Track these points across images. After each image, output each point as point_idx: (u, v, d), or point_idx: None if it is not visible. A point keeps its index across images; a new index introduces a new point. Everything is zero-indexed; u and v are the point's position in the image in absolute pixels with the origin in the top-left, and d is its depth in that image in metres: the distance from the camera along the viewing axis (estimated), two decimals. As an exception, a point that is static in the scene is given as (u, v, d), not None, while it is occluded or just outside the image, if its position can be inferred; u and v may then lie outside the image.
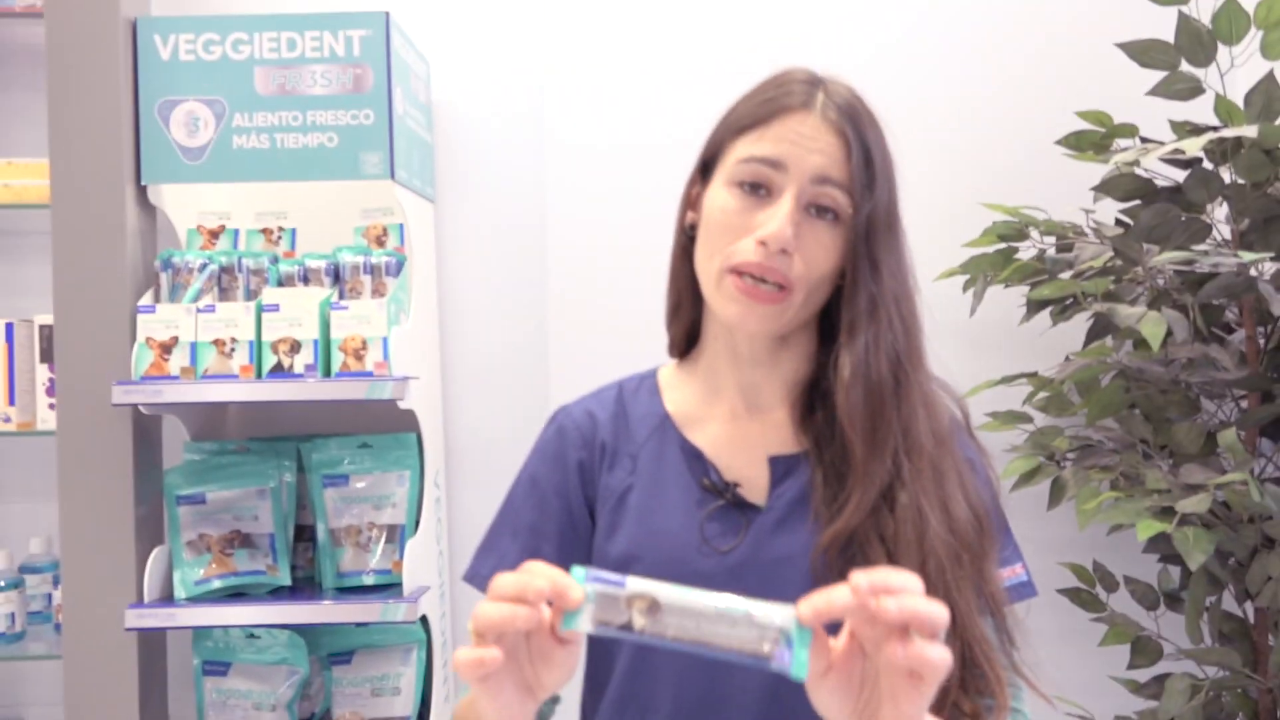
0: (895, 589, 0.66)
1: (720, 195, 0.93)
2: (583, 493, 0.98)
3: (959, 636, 0.84)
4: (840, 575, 0.71)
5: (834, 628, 0.69)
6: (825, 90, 0.94)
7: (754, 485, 0.94)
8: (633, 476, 0.97)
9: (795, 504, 0.93)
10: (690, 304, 1.00)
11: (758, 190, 0.91)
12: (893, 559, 0.86)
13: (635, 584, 0.67)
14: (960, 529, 0.88)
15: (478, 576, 1.00)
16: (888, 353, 0.90)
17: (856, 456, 0.89)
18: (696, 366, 1.01)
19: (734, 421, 0.97)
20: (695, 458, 0.96)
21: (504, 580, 0.68)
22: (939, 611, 0.66)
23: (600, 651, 0.97)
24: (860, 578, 0.66)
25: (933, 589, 0.82)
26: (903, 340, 0.91)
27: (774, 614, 0.66)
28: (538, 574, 0.68)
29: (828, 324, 0.95)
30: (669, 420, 0.99)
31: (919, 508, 0.87)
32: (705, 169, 0.98)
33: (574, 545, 0.98)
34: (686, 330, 1.02)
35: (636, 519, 0.95)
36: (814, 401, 0.95)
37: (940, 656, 0.66)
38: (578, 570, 0.68)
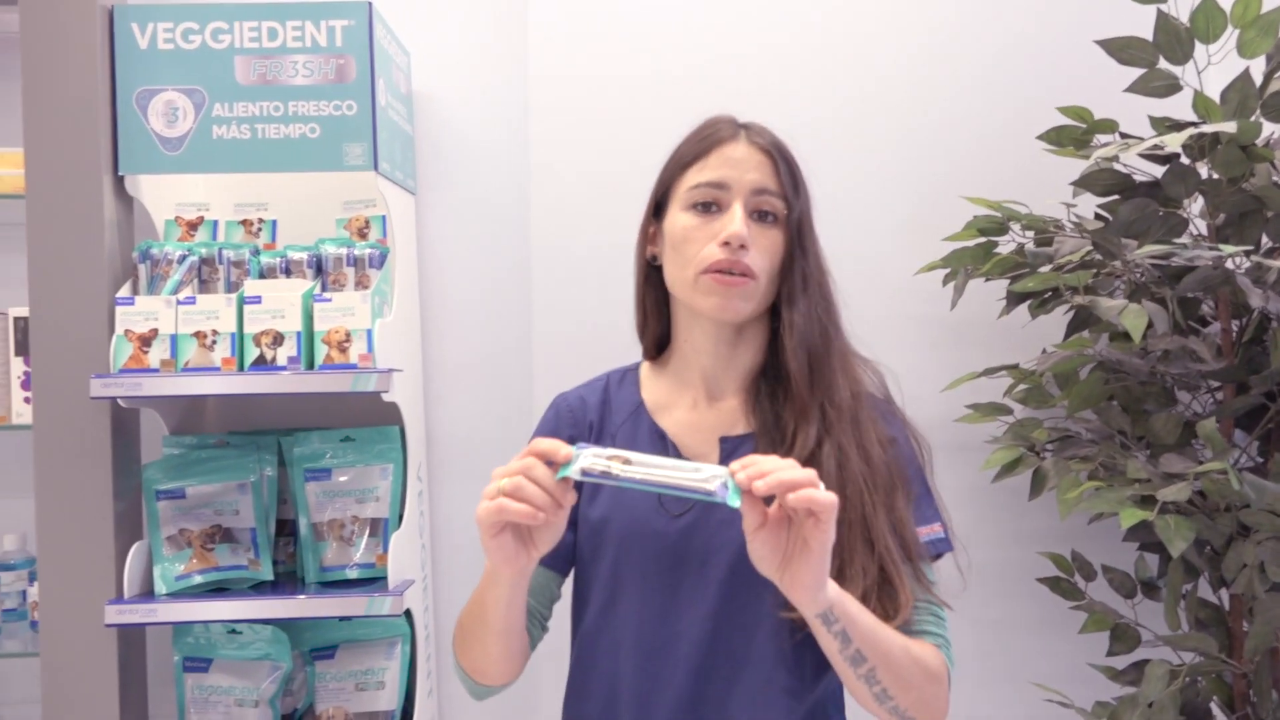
0: (765, 470, 0.90)
1: (680, 219, 1.14)
2: None
3: (875, 553, 1.06)
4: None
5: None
6: (748, 127, 1.17)
7: (706, 460, 1.13)
8: None
9: None
10: (656, 319, 1.22)
11: (710, 208, 1.13)
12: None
13: (612, 449, 0.93)
14: (874, 466, 1.10)
15: None
16: (818, 320, 1.13)
17: (804, 401, 1.11)
18: (667, 366, 1.22)
19: (695, 410, 1.18)
20: (660, 438, 1.17)
21: (512, 461, 0.95)
22: (802, 474, 0.90)
23: (580, 589, 1.19)
24: (735, 465, 0.92)
25: (852, 511, 1.06)
26: (824, 312, 1.14)
27: (715, 468, 0.91)
28: (541, 443, 0.94)
29: (776, 319, 1.16)
30: (643, 407, 1.20)
31: (840, 446, 1.09)
32: (658, 208, 1.19)
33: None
34: (655, 340, 1.23)
35: (611, 489, 1.13)
36: (763, 385, 1.16)
37: (826, 496, 0.91)
38: (576, 446, 0.93)
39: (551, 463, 0.95)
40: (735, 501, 0.90)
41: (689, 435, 1.17)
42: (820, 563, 0.93)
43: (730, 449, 1.14)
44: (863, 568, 1.05)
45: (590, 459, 0.90)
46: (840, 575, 1.03)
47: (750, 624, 1.10)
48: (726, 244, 1.09)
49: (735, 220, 1.10)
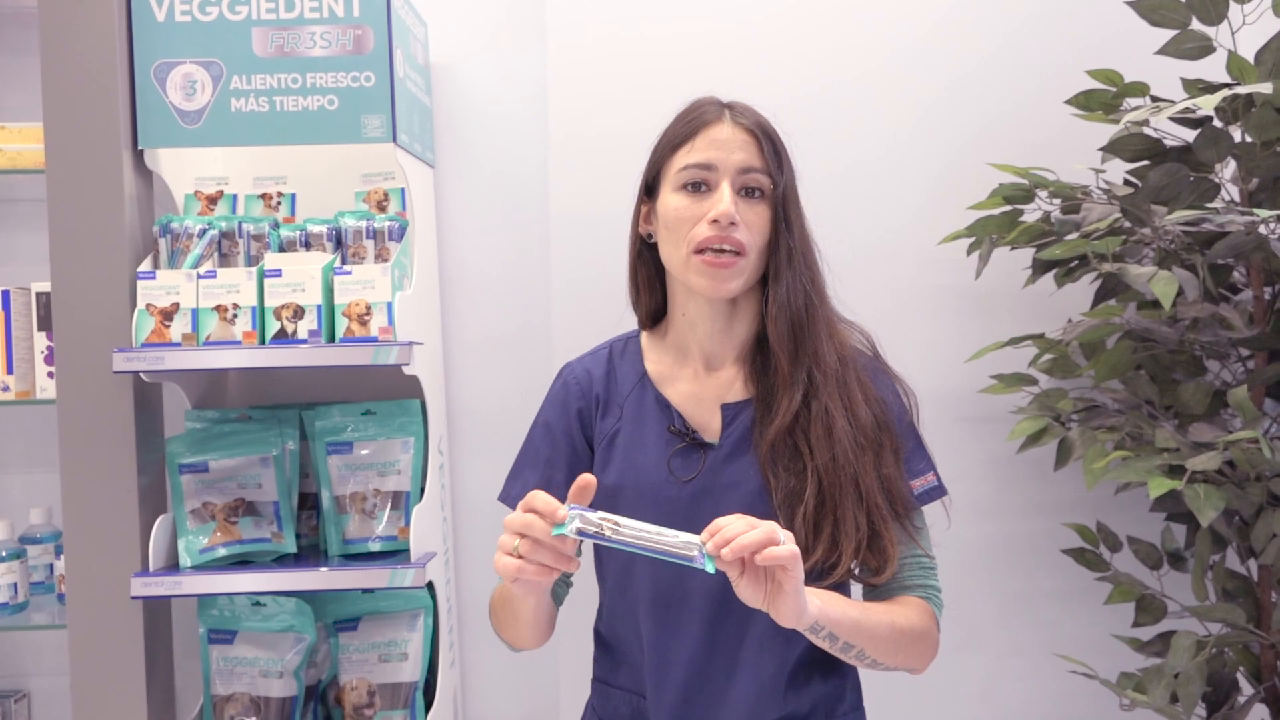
0: (728, 539, 0.98)
1: (671, 200, 1.20)
2: (583, 434, 1.28)
3: (865, 510, 1.15)
4: (782, 464, 1.16)
5: None
6: (731, 108, 1.22)
7: (709, 428, 1.22)
8: (620, 422, 1.25)
9: (740, 440, 1.21)
10: (649, 293, 1.29)
11: (699, 188, 1.18)
12: (811, 450, 1.16)
13: (601, 514, 1.02)
14: (862, 425, 1.17)
15: (509, 497, 1.30)
16: (802, 290, 1.19)
17: (783, 370, 1.18)
18: (665, 336, 1.29)
19: (696, 380, 1.25)
20: (666, 408, 1.24)
21: (520, 509, 1.03)
22: (761, 534, 0.98)
23: (600, 556, 1.27)
24: (704, 534, 1.00)
25: (842, 473, 1.15)
26: (809, 282, 1.20)
27: (690, 537, 1.01)
28: (539, 500, 1.01)
29: (767, 290, 1.22)
30: (647, 378, 1.26)
31: (827, 409, 1.16)
32: (650, 190, 1.26)
33: (578, 474, 1.20)
34: (649, 312, 1.30)
35: (622, 456, 1.23)
36: (759, 353, 1.22)
37: (786, 550, 0.99)
38: (569, 507, 1.01)
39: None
40: (711, 567, 1.00)
41: (692, 405, 1.23)
42: (795, 596, 1.02)
43: (731, 415, 1.22)
44: (855, 525, 1.14)
45: (581, 522, 1.00)
46: (834, 534, 1.14)
47: None
48: (716, 222, 1.16)
49: (724, 199, 1.16)
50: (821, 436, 1.15)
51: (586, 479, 1.04)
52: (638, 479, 1.21)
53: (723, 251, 1.16)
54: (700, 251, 1.17)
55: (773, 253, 1.19)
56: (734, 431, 1.21)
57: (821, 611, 1.07)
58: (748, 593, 1.02)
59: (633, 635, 1.23)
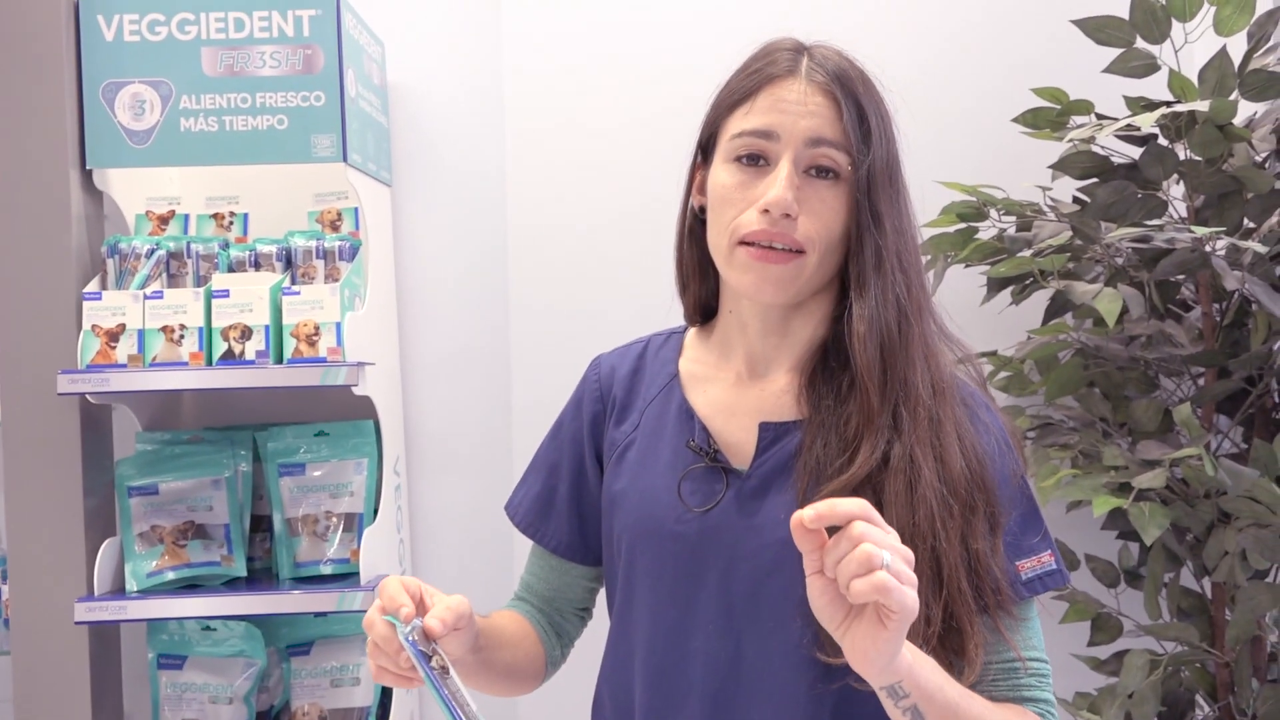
0: (830, 513, 0.74)
1: (721, 173, 0.95)
2: (592, 443, 1.06)
3: (942, 595, 0.86)
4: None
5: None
6: (810, 55, 0.95)
7: (740, 450, 0.96)
8: (635, 432, 1.01)
9: (778, 471, 0.94)
10: (697, 281, 1.04)
11: (756, 162, 0.93)
12: (882, 508, 0.85)
13: (440, 651, 0.85)
14: (953, 479, 0.88)
15: (511, 505, 1.12)
16: (895, 304, 0.92)
17: (872, 407, 0.90)
18: (713, 332, 1.04)
19: (736, 386, 0.99)
20: (688, 418, 0.98)
21: (372, 615, 0.87)
22: (867, 551, 0.72)
23: (608, 582, 1.05)
24: (806, 513, 0.74)
25: (921, 539, 0.86)
26: (905, 292, 0.92)
27: None
28: (387, 590, 0.86)
29: (844, 290, 0.96)
30: (676, 379, 1.02)
31: (913, 458, 0.88)
32: (705, 152, 1.00)
33: (583, 485, 1.07)
34: (696, 303, 1.05)
35: (632, 473, 0.99)
36: (823, 365, 0.96)
37: (906, 599, 0.73)
38: (402, 628, 0.84)
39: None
40: None
41: (723, 418, 0.98)
42: (891, 640, 0.75)
43: (771, 437, 0.95)
44: (925, 615, 0.84)
45: (412, 645, 0.84)
46: None
47: (774, 655, 0.91)
48: (766, 211, 0.90)
49: (779, 182, 0.90)
50: (901, 493, 0.87)
51: (459, 610, 0.85)
52: (641, 504, 0.97)
53: (772, 249, 0.91)
54: (748, 244, 0.92)
55: (855, 253, 0.92)
56: (770, 459, 0.94)
57: (912, 673, 0.79)
58: (821, 600, 0.77)
59: (626, 703, 0.99)
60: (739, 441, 0.96)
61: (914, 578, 0.74)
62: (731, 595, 0.93)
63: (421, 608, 0.87)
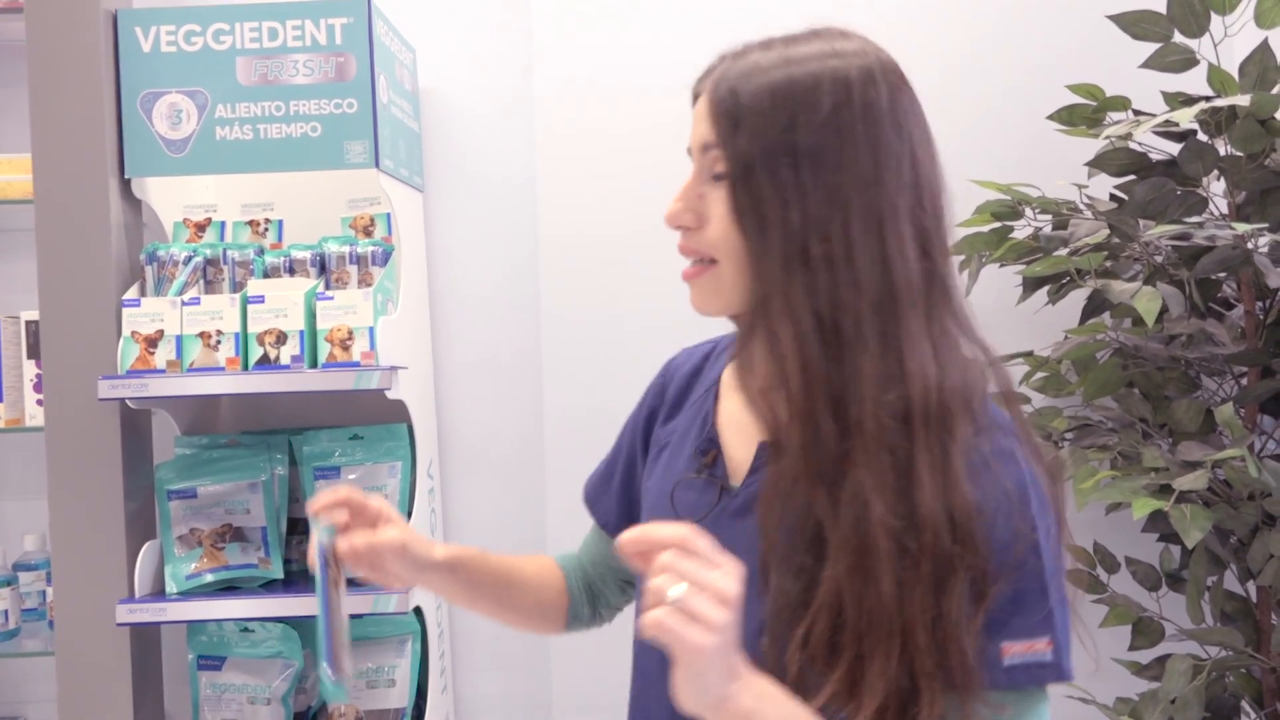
0: (645, 544, 0.71)
1: None
2: (644, 436, 1.04)
3: (905, 655, 0.75)
4: (786, 556, 0.78)
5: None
6: (725, 63, 0.87)
7: (739, 467, 0.91)
8: (674, 433, 0.99)
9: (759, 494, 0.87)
10: None
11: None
12: (825, 545, 0.78)
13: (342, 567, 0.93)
14: (923, 524, 0.76)
15: (584, 488, 1.13)
16: (810, 308, 0.79)
17: (793, 434, 0.81)
18: None
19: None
20: (704, 427, 0.95)
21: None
22: (662, 582, 0.68)
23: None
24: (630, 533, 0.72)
25: (871, 585, 0.76)
26: (828, 291, 0.79)
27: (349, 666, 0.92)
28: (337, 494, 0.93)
29: None
30: (716, 385, 0.98)
31: (858, 493, 0.77)
32: None
33: (634, 472, 1.06)
34: None
35: (658, 473, 0.98)
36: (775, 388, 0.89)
37: (649, 621, 0.68)
38: (321, 532, 0.92)
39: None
40: (329, 695, 0.93)
41: (733, 431, 0.93)
42: (689, 680, 0.70)
43: (763, 459, 0.88)
44: (884, 671, 0.75)
45: (320, 549, 0.91)
46: (852, 674, 0.76)
47: None
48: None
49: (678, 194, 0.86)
50: (848, 530, 0.77)
51: (378, 547, 0.92)
52: (652, 509, 0.97)
53: (690, 263, 0.87)
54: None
55: (757, 253, 0.82)
56: (757, 480, 0.88)
57: (757, 714, 0.71)
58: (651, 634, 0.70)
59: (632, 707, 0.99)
60: (742, 458, 0.91)
61: (715, 618, 0.67)
62: None
63: (364, 519, 0.94)
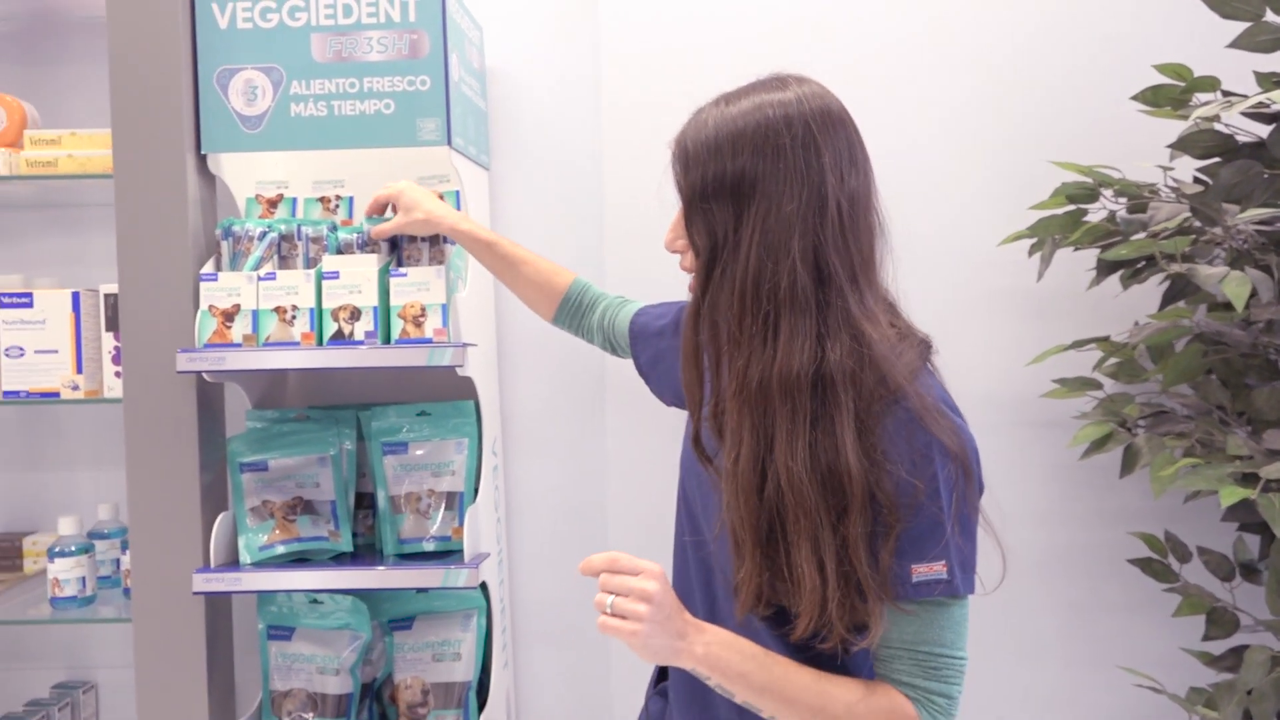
0: (593, 569, 1.02)
1: None
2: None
3: (817, 559, 0.99)
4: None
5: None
6: (690, 120, 1.15)
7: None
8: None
9: None
10: None
11: None
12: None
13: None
14: (795, 478, 0.98)
15: (635, 319, 1.58)
16: (736, 289, 1.03)
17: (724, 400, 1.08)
18: None
19: None
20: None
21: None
22: (600, 597, 1.00)
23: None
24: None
25: (772, 517, 1.01)
26: (741, 289, 1.03)
27: None
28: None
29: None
30: None
31: (735, 451, 1.03)
32: None
33: (667, 363, 1.45)
34: None
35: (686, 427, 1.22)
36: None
37: (614, 626, 0.99)
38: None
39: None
40: None
41: None
42: (642, 651, 1.00)
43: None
44: (806, 569, 0.99)
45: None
46: (788, 564, 1.01)
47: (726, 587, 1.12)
48: None
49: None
50: (729, 473, 1.04)
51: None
52: (688, 434, 1.17)
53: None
54: None
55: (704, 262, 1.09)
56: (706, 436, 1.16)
57: (709, 662, 1.02)
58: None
59: None
60: None
61: (639, 611, 0.98)
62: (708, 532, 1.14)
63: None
